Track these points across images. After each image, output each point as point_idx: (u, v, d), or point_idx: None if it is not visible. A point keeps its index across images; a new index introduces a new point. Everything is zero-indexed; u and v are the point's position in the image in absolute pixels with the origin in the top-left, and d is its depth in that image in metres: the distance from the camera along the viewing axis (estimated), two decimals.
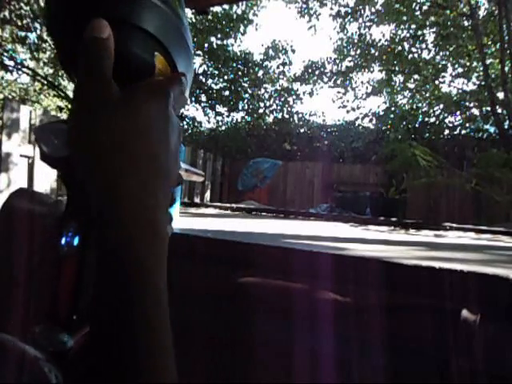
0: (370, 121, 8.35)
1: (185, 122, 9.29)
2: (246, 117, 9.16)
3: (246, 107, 9.16)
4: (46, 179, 3.79)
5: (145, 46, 0.33)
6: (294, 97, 9.20)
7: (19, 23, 6.96)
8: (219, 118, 9.28)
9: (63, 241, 0.32)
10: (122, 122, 0.29)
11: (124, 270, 0.26)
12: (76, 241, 0.32)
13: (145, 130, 0.29)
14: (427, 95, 8.36)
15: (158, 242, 0.29)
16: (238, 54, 8.93)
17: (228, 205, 1.95)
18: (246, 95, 9.10)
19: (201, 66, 9.18)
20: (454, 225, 1.45)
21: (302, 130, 8.43)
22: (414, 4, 7.79)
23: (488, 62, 6.84)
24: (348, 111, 9.15)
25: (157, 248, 0.29)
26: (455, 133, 7.18)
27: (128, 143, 0.28)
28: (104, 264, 0.27)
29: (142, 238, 0.28)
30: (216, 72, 9.08)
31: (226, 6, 8.29)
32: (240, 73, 8.95)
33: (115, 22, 0.31)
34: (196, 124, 9.33)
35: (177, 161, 0.33)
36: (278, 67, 9.29)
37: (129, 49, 0.32)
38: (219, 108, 9.22)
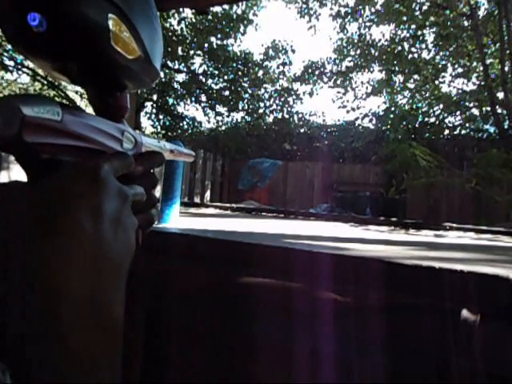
0: (370, 121, 8.35)
1: (185, 122, 9.29)
2: (246, 117, 9.16)
3: (246, 107, 9.16)
4: None
5: (95, 6, 0.29)
6: (294, 97, 9.20)
7: None
8: (219, 117, 9.29)
9: None
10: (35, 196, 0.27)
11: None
12: None
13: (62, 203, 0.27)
14: (427, 95, 8.36)
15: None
16: (238, 54, 8.94)
17: (228, 205, 1.95)
18: (246, 95, 9.10)
19: (201, 65, 9.19)
20: (454, 225, 1.45)
21: (302, 130, 8.43)
22: (414, 4, 7.79)
23: (488, 62, 6.84)
24: (348, 111, 9.17)
25: None
26: (455, 133, 7.19)
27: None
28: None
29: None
30: (216, 72, 9.08)
31: (226, 6, 8.29)
32: (240, 73, 8.95)
33: None
34: (196, 124, 9.33)
35: (125, 232, 0.30)
36: (278, 67, 9.30)
37: (75, 9, 0.29)
38: (219, 108, 9.22)
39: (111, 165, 0.31)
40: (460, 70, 8.19)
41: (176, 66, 9.01)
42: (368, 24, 8.87)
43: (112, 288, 0.28)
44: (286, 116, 8.93)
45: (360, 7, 8.73)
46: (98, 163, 0.30)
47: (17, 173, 3.49)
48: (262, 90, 9.21)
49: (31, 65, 8.31)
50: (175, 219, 1.06)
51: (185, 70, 9.20)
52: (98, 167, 0.29)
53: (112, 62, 0.33)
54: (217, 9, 8.21)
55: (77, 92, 8.70)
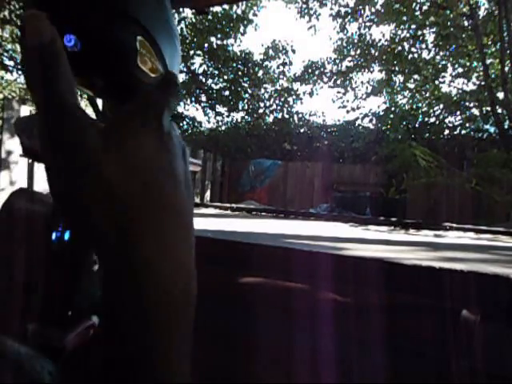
0: (370, 121, 8.35)
1: (185, 122, 9.29)
2: (246, 117, 9.16)
3: (246, 107, 9.16)
4: (47, 179, 3.79)
5: (126, 29, 0.32)
6: (294, 97, 9.20)
7: (19, 23, 6.96)
8: (219, 117, 9.29)
9: (54, 236, 0.31)
10: (110, 168, 0.24)
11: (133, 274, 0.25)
12: (67, 235, 0.32)
13: (140, 172, 0.25)
14: (427, 95, 8.36)
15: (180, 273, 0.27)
16: (238, 53, 8.94)
17: (228, 205, 1.95)
18: (246, 95, 9.10)
19: (201, 65, 9.19)
20: (454, 225, 1.45)
21: (302, 130, 8.43)
22: (414, 4, 7.79)
23: (488, 61, 6.84)
24: (348, 111, 9.16)
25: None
26: (455, 133, 7.18)
27: (123, 189, 0.24)
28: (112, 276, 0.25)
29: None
30: (216, 72, 9.08)
31: (226, 6, 8.29)
32: (240, 73, 8.95)
33: (95, 5, 0.30)
34: (196, 124, 9.33)
35: (189, 188, 0.29)
36: (278, 67, 9.30)
37: (109, 33, 0.31)
38: (219, 108, 9.22)
39: (169, 107, 0.30)
40: (460, 69, 8.19)
41: None
42: (368, 24, 8.87)
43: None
44: (286, 116, 8.93)
45: (360, 7, 8.73)
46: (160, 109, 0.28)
47: (17, 172, 3.48)
48: (262, 90, 9.21)
49: None
50: None
51: (185, 69, 9.20)
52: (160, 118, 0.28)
53: (136, 80, 0.35)
54: (217, 9, 8.21)
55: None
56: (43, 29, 0.24)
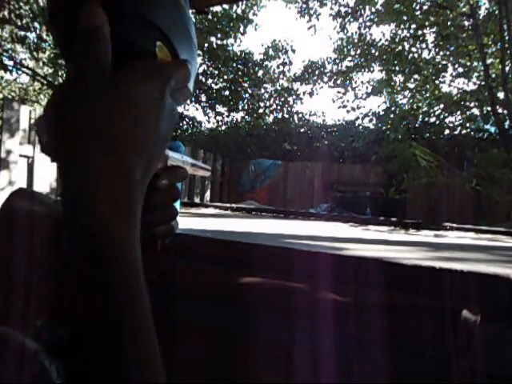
0: (370, 121, 8.35)
1: (185, 122, 9.29)
2: (246, 117, 9.16)
3: (246, 107, 9.16)
4: (46, 179, 3.79)
5: (146, 35, 0.32)
6: (294, 97, 9.20)
7: (19, 23, 6.96)
8: (219, 117, 9.29)
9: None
10: (107, 102, 0.28)
11: (96, 251, 0.26)
12: None
13: (132, 111, 0.29)
14: (427, 95, 8.36)
15: (131, 220, 0.28)
16: (238, 53, 8.93)
17: (228, 205, 1.95)
18: (246, 95, 9.10)
19: (201, 65, 9.18)
20: (454, 225, 1.45)
21: (302, 130, 8.43)
22: (414, 4, 7.79)
23: (488, 61, 6.84)
24: (348, 111, 9.16)
25: (128, 225, 0.28)
26: (455, 133, 7.18)
27: (109, 124, 0.28)
28: (75, 246, 0.26)
29: (114, 218, 0.27)
30: (216, 72, 9.08)
31: (226, 6, 8.29)
32: (240, 73, 8.95)
33: (116, 10, 0.30)
34: (196, 124, 9.33)
35: (162, 148, 0.33)
36: (278, 67, 9.30)
37: (129, 38, 0.32)
38: (219, 108, 9.22)
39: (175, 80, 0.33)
40: (460, 69, 8.19)
41: None
42: (368, 24, 8.87)
43: None
44: (286, 116, 8.93)
45: (360, 7, 8.72)
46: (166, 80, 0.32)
47: (17, 172, 3.48)
48: (262, 90, 9.20)
49: (31, 64, 8.31)
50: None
51: None
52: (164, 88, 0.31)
53: None
54: (217, 9, 8.21)
55: None
56: (98, 15, 0.29)
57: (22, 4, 6.76)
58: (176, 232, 0.42)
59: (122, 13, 0.31)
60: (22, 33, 7.30)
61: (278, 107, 9.13)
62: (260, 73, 9.11)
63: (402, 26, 8.47)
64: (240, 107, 9.17)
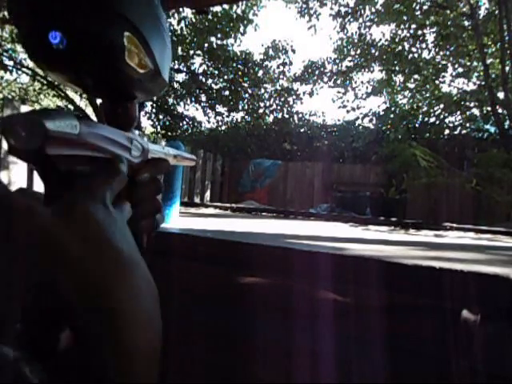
0: (370, 121, 8.34)
1: (185, 122, 9.29)
2: (246, 117, 9.16)
3: (246, 107, 9.15)
4: None
5: (113, 25, 0.31)
6: (294, 97, 9.20)
7: None
8: (219, 117, 9.29)
9: None
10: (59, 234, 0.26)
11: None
12: None
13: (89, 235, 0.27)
14: (427, 95, 8.35)
15: None
16: (238, 53, 8.93)
17: (228, 205, 1.95)
18: (246, 95, 9.10)
19: (201, 65, 9.19)
20: (454, 225, 1.45)
21: (302, 130, 8.43)
22: (414, 4, 7.79)
23: (488, 61, 6.84)
24: (348, 111, 9.15)
25: None
26: (455, 133, 7.18)
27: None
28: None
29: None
30: (216, 72, 9.08)
31: (226, 6, 8.29)
32: (240, 73, 8.95)
33: (80, 1, 0.30)
34: (196, 124, 9.33)
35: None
36: (278, 67, 9.29)
37: (95, 29, 0.31)
38: (219, 108, 9.22)
39: (111, 189, 0.32)
40: (460, 69, 8.18)
41: (176, 66, 9.01)
42: (368, 24, 8.87)
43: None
44: (286, 116, 8.93)
45: (360, 7, 8.72)
46: (103, 190, 0.31)
47: (17, 172, 3.48)
48: (262, 90, 9.20)
49: (31, 64, 8.31)
50: (175, 219, 1.06)
51: (185, 69, 9.20)
52: (103, 193, 0.31)
53: (125, 76, 0.35)
54: (217, 9, 8.21)
55: (76, 92, 8.69)
56: None
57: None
58: (161, 226, 0.42)
59: (89, 3, 0.30)
60: None
61: (278, 107, 9.13)
62: (260, 73, 9.10)
63: (402, 26, 8.47)
64: (240, 107, 9.16)
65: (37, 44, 0.31)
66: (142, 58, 0.35)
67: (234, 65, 8.90)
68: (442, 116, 7.71)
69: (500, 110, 6.08)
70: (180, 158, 0.50)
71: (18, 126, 0.27)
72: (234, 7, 8.69)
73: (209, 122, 9.36)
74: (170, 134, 8.95)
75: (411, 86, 8.76)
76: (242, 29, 9.00)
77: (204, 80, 9.10)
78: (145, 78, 0.36)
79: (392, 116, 7.85)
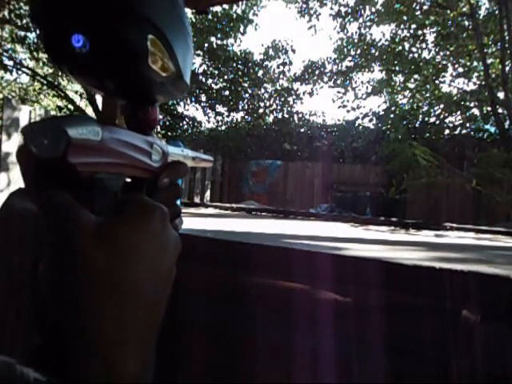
0: (370, 121, 8.35)
1: (185, 122, 9.29)
2: (246, 117, 9.16)
3: (246, 107, 9.16)
4: None
5: (136, 28, 0.31)
6: (294, 97, 9.20)
7: (19, 23, 6.96)
8: (219, 117, 9.29)
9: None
10: (98, 254, 0.26)
11: None
12: None
13: (126, 260, 0.27)
14: (427, 95, 8.35)
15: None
16: (238, 53, 8.93)
17: (228, 205, 1.95)
18: (246, 95, 9.10)
19: (201, 65, 9.18)
20: (455, 225, 1.45)
21: (302, 130, 8.43)
22: (414, 4, 7.79)
23: (488, 61, 6.83)
24: (348, 111, 9.16)
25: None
26: (455, 133, 7.18)
27: (104, 274, 0.26)
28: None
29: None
30: (216, 72, 9.08)
31: (226, 6, 8.29)
32: (240, 73, 8.95)
33: (103, 4, 0.29)
34: (196, 124, 9.33)
35: (167, 285, 0.32)
36: (278, 67, 9.30)
37: (118, 32, 0.30)
38: (219, 108, 9.22)
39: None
40: (460, 69, 8.18)
41: None
42: (368, 24, 8.87)
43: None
44: (286, 116, 8.93)
45: (360, 7, 8.72)
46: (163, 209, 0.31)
47: (17, 173, 3.48)
48: (262, 90, 9.20)
49: (31, 64, 8.31)
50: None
51: None
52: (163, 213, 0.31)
53: (148, 80, 0.34)
54: (217, 9, 8.20)
55: (76, 92, 8.70)
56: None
57: (22, 4, 6.76)
58: (179, 230, 0.42)
59: (112, 6, 0.30)
60: (22, 33, 7.30)
61: (278, 107, 9.13)
62: (260, 73, 9.11)
63: (402, 26, 8.47)
64: (240, 107, 9.17)
65: (59, 47, 0.31)
66: (165, 62, 0.34)
67: (234, 65, 8.91)
68: (442, 116, 7.71)
69: (500, 110, 6.08)
70: (198, 160, 0.49)
71: (40, 133, 0.26)
72: (234, 7, 8.69)
73: (209, 121, 9.36)
74: (170, 134, 8.95)
75: (411, 85, 8.76)
76: (242, 29, 9.00)
77: (204, 80, 9.10)
78: (167, 81, 0.36)
79: (392, 116, 7.86)
